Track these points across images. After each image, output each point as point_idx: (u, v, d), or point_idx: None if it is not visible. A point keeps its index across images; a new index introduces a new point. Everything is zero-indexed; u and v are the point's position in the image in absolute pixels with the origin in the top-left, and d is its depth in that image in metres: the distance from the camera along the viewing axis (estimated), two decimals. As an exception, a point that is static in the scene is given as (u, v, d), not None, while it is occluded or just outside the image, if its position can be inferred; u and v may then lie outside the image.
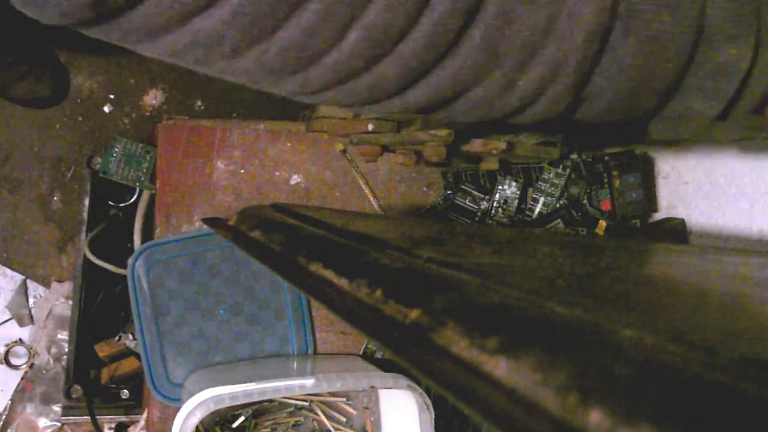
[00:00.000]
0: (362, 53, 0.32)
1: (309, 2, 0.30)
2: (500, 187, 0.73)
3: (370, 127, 0.64)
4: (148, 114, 1.08)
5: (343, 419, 0.69)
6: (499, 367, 0.17)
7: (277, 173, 0.72)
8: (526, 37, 0.33)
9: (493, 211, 0.73)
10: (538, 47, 0.34)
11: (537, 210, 0.73)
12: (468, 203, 0.73)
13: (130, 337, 0.82)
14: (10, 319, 1.04)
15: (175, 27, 0.30)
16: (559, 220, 0.72)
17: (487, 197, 0.73)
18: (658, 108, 0.39)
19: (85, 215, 0.85)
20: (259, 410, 0.68)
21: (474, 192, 0.73)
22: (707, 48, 0.35)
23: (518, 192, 0.72)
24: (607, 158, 0.73)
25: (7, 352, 1.02)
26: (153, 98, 1.09)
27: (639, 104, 0.38)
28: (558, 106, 0.37)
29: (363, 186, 0.72)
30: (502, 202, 0.73)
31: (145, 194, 0.81)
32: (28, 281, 1.06)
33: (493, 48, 0.33)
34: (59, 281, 1.05)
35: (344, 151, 0.72)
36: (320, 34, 0.31)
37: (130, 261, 0.66)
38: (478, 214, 0.73)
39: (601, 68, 0.35)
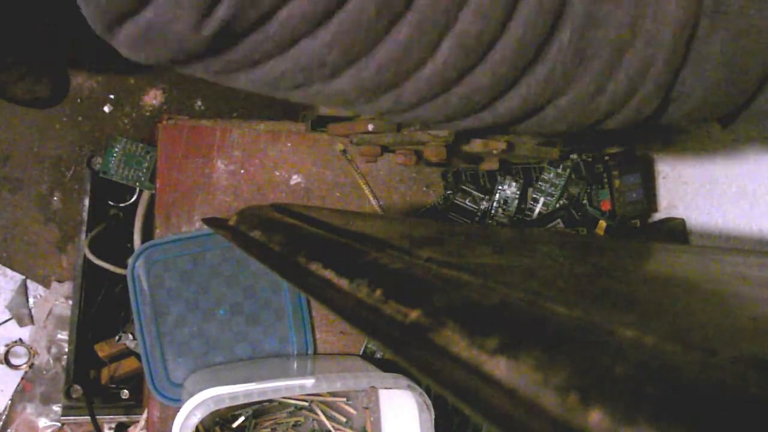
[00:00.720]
0: (456, 63, 0.32)
1: (406, 15, 0.30)
2: (500, 187, 0.73)
3: (370, 127, 0.64)
4: (148, 114, 1.08)
5: (343, 419, 0.69)
6: (499, 367, 0.17)
7: (277, 173, 0.72)
8: (614, 37, 0.33)
9: (493, 211, 0.73)
10: (626, 47, 0.33)
11: (537, 210, 0.73)
12: (468, 203, 0.73)
13: (130, 337, 0.82)
14: (10, 319, 1.04)
15: (279, 53, 0.30)
16: (559, 220, 0.72)
17: (487, 197, 0.73)
18: (746, 104, 0.38)
19: (85, 215, 0.85)
20: (259, 410, 0.68)
21: (474, 192, 0.73)
22: None
23: (518, 192, 0.72)
24: (607, 158, 0.73)
25: (7, 352, 1.02)
26: (153, 98, 1.09)
27: (728, 101, 0.37)
28: (648, 108, 0.37)
29: (363, 186, 0.72)
30: (502, 202, 0.73)
31: (145, 194, 0.81)
32: (28, 281, 1.06)
33: (582, 50, 0.33)
34: (59, 281, 1.05)
35: (344, 152, 0.72)
36: (416, 46, 0.31)
37: (130, 261, 0.66)
38: (478, 214, 0.73)
39: (690, 66, 0.35)
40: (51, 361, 1.02)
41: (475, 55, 0.32)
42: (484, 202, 0.73)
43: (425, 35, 0.30)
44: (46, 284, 1.06)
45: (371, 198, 0.73)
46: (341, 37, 0.30)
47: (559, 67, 0.33)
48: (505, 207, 0.73)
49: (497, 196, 0.73)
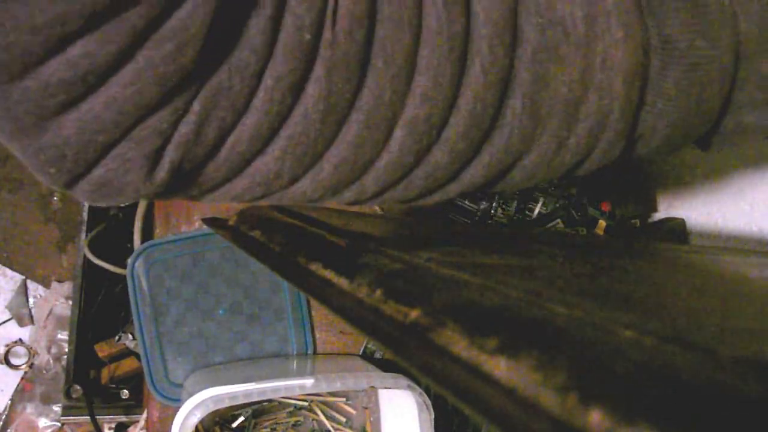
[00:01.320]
0: (411, 148, 0.32)
1: (351, 115, 0.30)
2: (500, 187, 0.73)
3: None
4: (148, 114, 1.08)
5: (343, 419, 0.69)
6: (499, 367, 0.17)
7: (277, 173, 0.72)
8: (566, 95, 0.33)
9: (492, 211, 0.73)
10: (580, 102, 0.33)
11: (537, 210, 0.73)
12: (467, 203, 0.73)
13: (130, 337, 0.82)
14: (10, 319, 1.04)
15: (235, 175, 0.31)
16: (559, 220, 0.72)
17: (487, 197, 0.73)
18: (715, 128, 0.39)
19: (85, 215, 0.85)
20: (259, 410, 0.68)
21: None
22: (748, 63, 0.35)
23: (518, 192, 0.72)
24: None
25: (7, 352, 1.02)
26: (153, 98, 1.08)
27: (693, 131, 0.38)
28: (612, 153, 0.37)
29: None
30: (501, 202, 0.73)
31: (145, 194, 0.81)
32: (28, 281, 1.06)
33: (536, 111, 0.33)
34: (59, 281, 1.05)
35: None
36: (368, 142, 0.31)
37: (129, 261, 0.66)
38: (478, 214, 0.73)
39: (649, 106, 0.35)
40: (51, 361, 1.02)
41: (429, 137, 0.32)
42: (484, 202, 0.73)
43: (374, 130, 0.31)
44: (46, 284, 1.06)
45: (371, 198, 0.73)
46: (291, 149, 0.30)
47: (516, 131, 0.33)
48: (504, 207, 0.73)
49: (497, 196, 0.73)
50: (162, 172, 0.29)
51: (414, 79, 0.31)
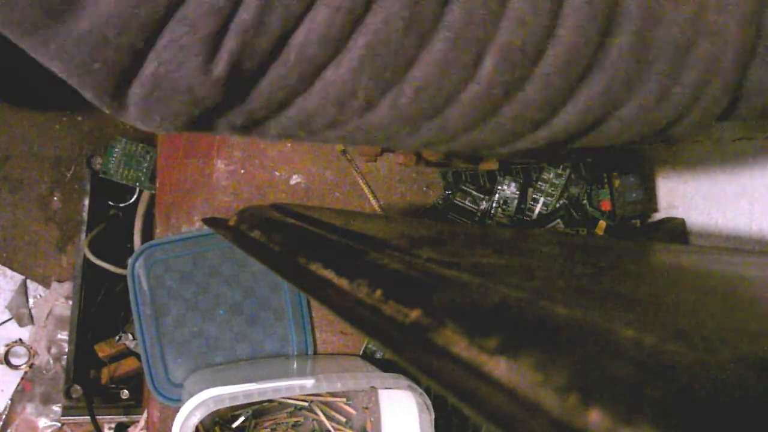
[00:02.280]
0: (502, 79, 0.29)
1: (439, 31, 0.27)
2: (500, 188, 0.73)
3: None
4: (148, 114, 1.08)
5: (343, 419, 0.69)
6: (499, 367, 0.17)
7: (277, 173, 0.72)
8: (676, 36, 0.29)
9: (492, 212, 0.73)
10: (690, 46, 0.30)
11: (537, 210, 0.73)
12: (467, 203, 0.73)
13: (130, 337, 0.82)
14: (10, 319, 1.04)
15: (304, 88, 0.28)
16: (558, 221, 0.72)
17: (487, 197, 0.73)
18: None
19: (85, 215, 0.85)
20: (259, 410, 0.68)
21: (473, 192, 0.73)
22: None
23: (518, 192, 0.72)
24: (607, 158, 0.73)
25: (7, 352, 1.02)
26: (153, 98, 1.08)
27: None
28: (717, 108, 0.33)
29: (363, 186, 0.72)
30: (501, 202, 0.73)
31: (145, 194, 0.81)
32: (28, 281, 1.06)
33: (643, 53, 0.30)
34: (59, 281, 1.05)
35: (344, 152, 0.72)
36: (454, 64, 0.28)
37: (130, 261, 0.66)
38: (478, 214, 0.73)
39: (758, 58, 0.31)
40: (51, 361, 1.02)
41: (522, 68, 0.29)
42: (484, 203, 0.73)
43: (462, 53, 0.28)
44: (46, 284, 1.06)
45: (371, 198, 0.73)
46: (368, 60, 0.27)
47: (619, 73, 0.30)
48: (504, 207, 0.73)
49: (497, 196, 0.73)
50: (221, 64, 0.25)
51: (510, 0, 0.27)
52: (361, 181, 0.72)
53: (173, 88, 0.26)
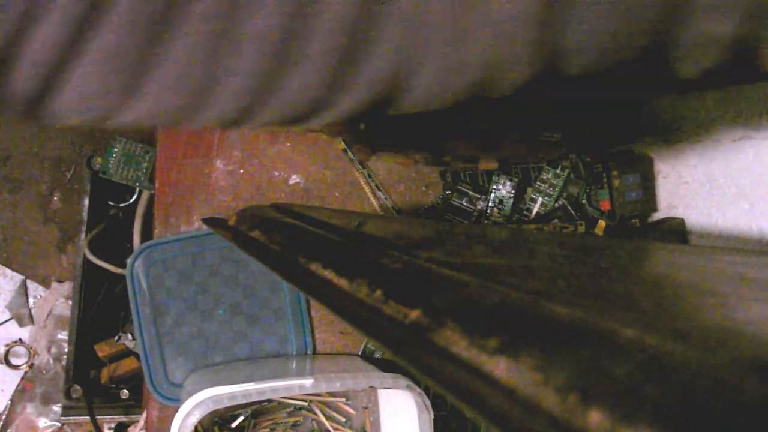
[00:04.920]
0: (263, 67, 0.28)
1: (181, 28, 0.26)
2: (495, 187, 0.73)
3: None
4: (147, 114, 1.08)
5: (342, 419, 0.69)
6: (499, 367, 0.17)
7: (277, 173, 0.72)
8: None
9: (488, 212, 0.73)
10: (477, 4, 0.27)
11: (535, 210, 0.73)
12: (464, 203, 0.73)
13: (130, 337, 0.82)
14: (10, 319, 1.04)
15: (57, 85, 0.28)
16: (557, 221, 0.72)
17: (483, 197, 0.73)
18: (666, 44, 0.30)
19: (84, 215, 0.85)
20: (258, 410, 0.68)
21: (470, 192, 0.73)
22: None
23: (513, 191, 0.72)
24: (606, 158, 0.73)
25: (7, 352, 1.02)
26: (153, 98, 1.08)
27: (631, 41, 0.29)
28: (531, 69, 0.30)
29: (364, 185, 0.72)
30: (497, 201, 0.73)
31: (145, 194, 0.81)
32: (28, 281, 1.06)
33: (423, 16, 0.27)
34: (59, 281, 1.05)
35: (346, 151, 0.72)
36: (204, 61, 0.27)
37: (129, 261, 0.66)
38: (475, 214, 0.73)
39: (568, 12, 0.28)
40: (51, 361, 1.02)
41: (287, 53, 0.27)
42: (480, 203, 0.73)
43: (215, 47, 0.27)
44: (46, 284, 1.06)
45: (371, 197, 0.73)
46: (110, 60, 0.27)
47: (402, 38, 0.27)
48: (501, 207, 0.73)
49: (492, 196, 0.73)
50: None
51: None
52: (362, 180, 0.72)
53: None
